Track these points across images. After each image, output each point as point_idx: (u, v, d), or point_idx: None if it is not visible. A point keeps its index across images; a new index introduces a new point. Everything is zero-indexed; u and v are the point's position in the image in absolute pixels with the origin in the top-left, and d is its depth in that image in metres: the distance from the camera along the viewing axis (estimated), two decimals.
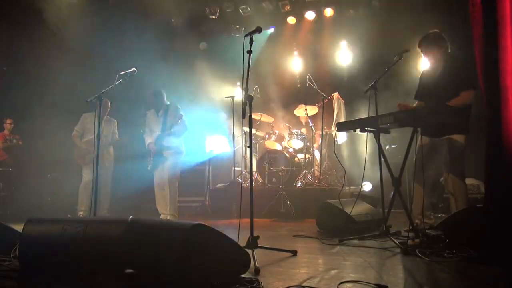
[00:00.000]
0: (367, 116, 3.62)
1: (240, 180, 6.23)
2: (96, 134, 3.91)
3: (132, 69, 4.14)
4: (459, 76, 3.60)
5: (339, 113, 6.83)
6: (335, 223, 4.03)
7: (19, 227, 2.57)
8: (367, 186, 6.38)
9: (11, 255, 2.54)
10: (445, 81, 3.70)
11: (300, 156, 6.66)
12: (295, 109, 7.06)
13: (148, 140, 5.45)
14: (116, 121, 6.19)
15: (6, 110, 6.91)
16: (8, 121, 6.94)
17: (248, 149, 3.05)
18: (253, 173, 6.41)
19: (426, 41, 3.84)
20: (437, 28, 3.92)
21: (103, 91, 3.93)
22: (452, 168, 3.62)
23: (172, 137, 5.30)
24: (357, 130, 3.64)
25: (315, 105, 6.83)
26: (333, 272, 2.42)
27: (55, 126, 6.50)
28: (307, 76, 6.70)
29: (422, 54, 3.96)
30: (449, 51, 3.82)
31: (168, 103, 5.49)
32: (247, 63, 2.96)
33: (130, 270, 1.98)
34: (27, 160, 6.93)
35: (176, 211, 5.35)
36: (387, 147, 6.52)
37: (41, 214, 4.22)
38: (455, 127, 3.64)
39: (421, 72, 4.11)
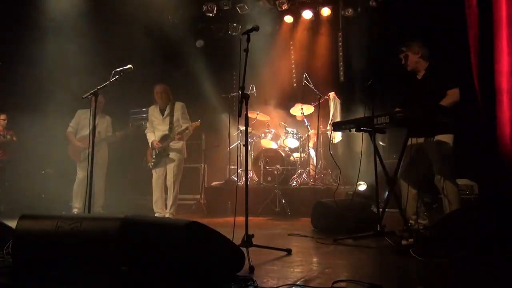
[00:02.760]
0: (363, 115, 3.62)
1: (236, 179, 6.22)
2: (91, 130, 3.88)
3: (127, 66, 4.11)
4: (444, 77, 3.65)
5: (335, 112, 6.84)
6: (330, 222, 4.04)
7: (12, 223, 2.56)
8: (362, 186, 6.39)
9: (4, 252, 2.53)
10: (431, 84, 3.73)
11: (296, 155, 6.66)
12: (291, 108, 7.06)
13: (151, 137, 5.37)
14: (110, 118, 6.16)
15: (0, 105, 6.86)
16: (2, 116, 6.89)
17: (243, 147, 3.05)
18: (249, 171, 6.42)
19: (401, 51, 3.88)
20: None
21: (98, 87, 3.90)
22: (442, 169, 3.63)
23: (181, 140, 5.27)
24: (353, 130, 3.65)
25: (311, 104, 6.83)
26: (327, 271, 2.42)
27: (50, 122, 6.46)
28: (304, 75, 6.69)
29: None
30: (427, 57, 3.85)
31: (171, 101, 5.40)
32: (244, 62, 2.96)
33: (125, 268, 1.98)
34: (21, 156, 6.88)
35: (176, 210, 5.35)
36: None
37: (35, 210, 4.20)
38: (444, 127, 3.66)
39: (404, 80, 4.11)
